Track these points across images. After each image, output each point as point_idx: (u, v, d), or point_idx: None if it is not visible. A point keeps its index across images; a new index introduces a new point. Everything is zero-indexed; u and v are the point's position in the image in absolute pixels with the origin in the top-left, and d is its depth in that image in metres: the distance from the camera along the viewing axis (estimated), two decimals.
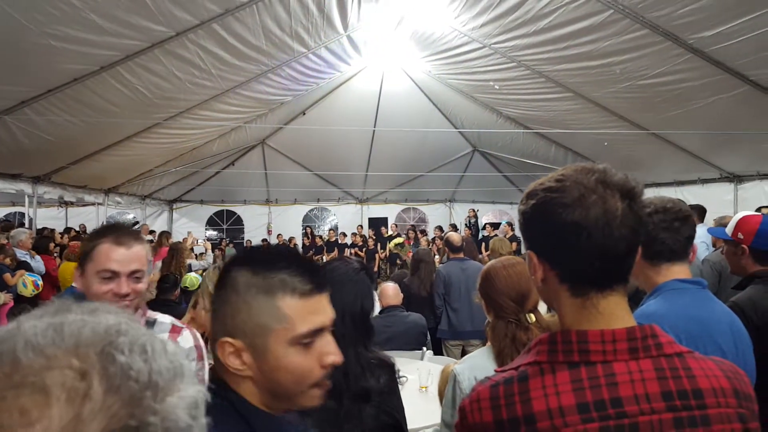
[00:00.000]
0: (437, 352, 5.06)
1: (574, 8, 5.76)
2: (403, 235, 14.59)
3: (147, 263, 1.70)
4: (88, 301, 0.53)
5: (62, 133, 7.05)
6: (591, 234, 0.90)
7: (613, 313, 0.95)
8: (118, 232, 1.67)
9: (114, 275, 1.61)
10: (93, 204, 12.13)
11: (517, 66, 7.82)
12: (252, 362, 0.96)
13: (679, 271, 1.66)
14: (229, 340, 0.96)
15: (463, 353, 4.97)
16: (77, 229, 12.67)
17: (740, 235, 2.36)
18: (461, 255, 5.49)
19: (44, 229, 10.42)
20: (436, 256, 8.64)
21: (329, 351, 1.00)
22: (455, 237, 5.62)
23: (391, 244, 13.93)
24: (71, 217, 14.50)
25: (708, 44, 5.54)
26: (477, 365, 1.88)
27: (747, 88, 6.05)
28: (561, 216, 0.92)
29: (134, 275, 1.64)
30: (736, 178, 9.14)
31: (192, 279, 6.09)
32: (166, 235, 10.24)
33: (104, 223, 12.05)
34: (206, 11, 5.54)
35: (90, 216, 12.95)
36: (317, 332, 0.98)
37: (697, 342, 1.48)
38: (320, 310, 1.00)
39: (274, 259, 1.01)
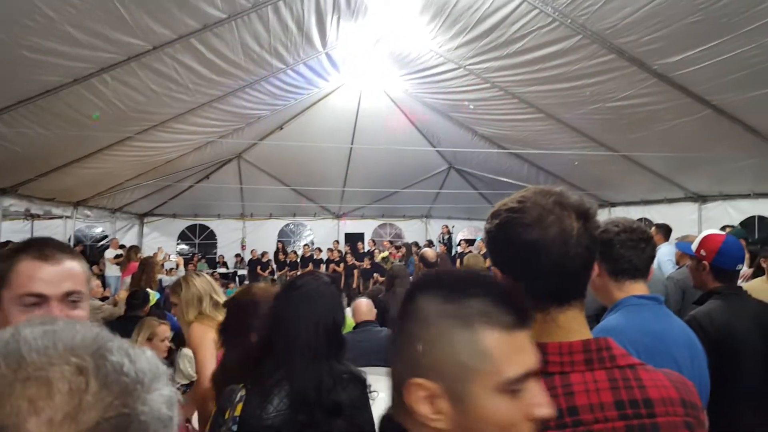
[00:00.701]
0: None
1: (545, 33, 5.94)
2: (385, 249, 14.65)
3: (85, 283, 1.34)
4: None
5: (32, 144, 6.91)
6: (549, 252, 0.97)
7: (571, 326, 1.01)
8: (41, 244, 1.30)
9: (41, 300, 1.23)
10: (61, 217, 11.84)
11: (491, 87, 7.98)
12: (449, 410, 0.79)
13: (639, 288, 1.74)
14: (422, 381, 0.80)
15: None
16: None
17: (703, 252, 2.45)
18: None
19: (8, 242, 10.18)
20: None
21: (540, 401, 0.81)
22: (430, 253, 5.68)
23: (378, 257, 13.97)
24: (37, 231, 14.13)
25: (672, 70, 5.75)
26: None
27: (709, 112, 6.26)
28: (521, 235, 0.98)
29: (69, 298, 1.27)
30: (700, 198, 9.43)
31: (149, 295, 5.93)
32: (134, 249, 10.09)
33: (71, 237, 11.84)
34: (185, 26, 5.54)
35: (57, 230, 12.64)
36: (527, 377, 0.81)
37: (654, 355, 1.54)
38: (527, 349, 0.82)
39: (468, 283, 0.85)
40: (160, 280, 8.30)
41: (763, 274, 4.17)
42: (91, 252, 15.55)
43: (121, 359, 0.52)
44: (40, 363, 0.49)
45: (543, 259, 0.97)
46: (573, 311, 1.01)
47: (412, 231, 17.67)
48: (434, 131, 12.11)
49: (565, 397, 0.94)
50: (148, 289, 5.99)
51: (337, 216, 17.21)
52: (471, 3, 6.03)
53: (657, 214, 10.00)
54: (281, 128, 11.76)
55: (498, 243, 1.05)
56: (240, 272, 15.73)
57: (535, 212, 0.99)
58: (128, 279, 7.36)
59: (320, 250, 15.87)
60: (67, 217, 11.30)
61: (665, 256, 5.73)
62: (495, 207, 1.07)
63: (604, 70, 6.21)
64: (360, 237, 16.90)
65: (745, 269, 4.80)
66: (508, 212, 1.02)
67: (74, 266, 1.31)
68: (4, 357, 0.49)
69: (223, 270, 15.55)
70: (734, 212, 8.83)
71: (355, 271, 14.66)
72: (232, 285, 13.94)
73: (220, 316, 2.94)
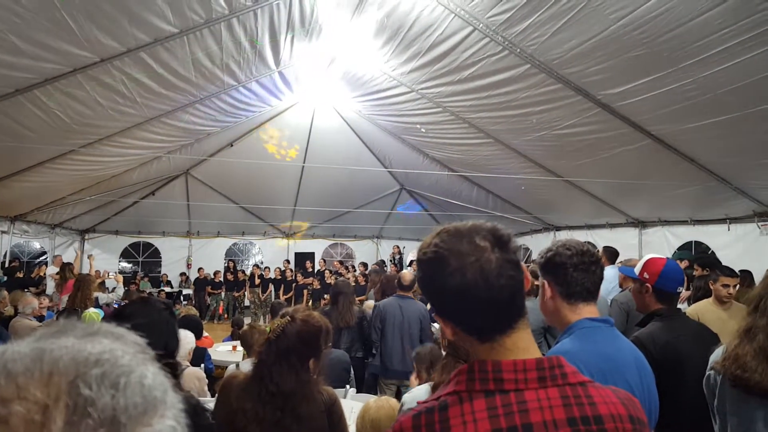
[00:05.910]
0: (372, 388, 5.06)
1: (494, 61, 6.12)
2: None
3: None
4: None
5: None
6: (476, 293, 0.99)
7: (519, 346, 1.03)
8: None
9: None
10: None
11: (443, 111, 8.14)
12: None
13: (590, 311, 1.79)
14: None
15: (398, 393, 5.00)
16: None
17: (646, 275, 2.54)
18: (407, 293, 5.51)
19: None
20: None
21: None
22: (407, 275, 5.62)
23: None
24: None
25: (615, 100, 6.01)
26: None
27: (649, 142, 6.55)
28: (444, 284, 1.01)
29: None
30: (641, 224, 9.85)
31: (91, 315, 5.61)
32: (69, 267, 9.60)
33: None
34: (134, 40, 5.42)
35: None
36: None
37: (608, 377, 1.59)
38: None
39: None
40: (97, 299, 7.87)
41: (704, 297, 4.37)
42: (27, 269, 14.75)
43: (98, 394, 0.44)
44: (7, 394, 0.43)
45: (471, 301, 1.00)
46: (518, 332, 1.04)
47: (363, 251, 17.67)
48: (386, 153, 12.22)
49: (520, 414, 0.96)
50: (91, 309, 5.72)
51: (288, 235, 17.01)
52: (424, 29, 6.16)
53: (600, 238, 10.38)
54: (231, 145, 11.58)
55: (428, 292, 1.08)
56: (185, 291, 15.25)
57: (452, 260, 1.01)
58: (66, 298, 6.95)
59: (269, 269, 15.64)
60: (3, 231, 10.80)
61: (609, 279, 5.91)
62: (417, 255, 1.10)
63: (551, 99, 6.43)
64: (310, 256, 16.76)
65: (683, 291, 5.03)
66: (427, 263, 1.05)
67: None
68: None
69: (167, 289, 15.05)
70: (672, 237, 9.25)
71: (305, 291, 14.50)
72: (177, 305, 13.46)
73: None
